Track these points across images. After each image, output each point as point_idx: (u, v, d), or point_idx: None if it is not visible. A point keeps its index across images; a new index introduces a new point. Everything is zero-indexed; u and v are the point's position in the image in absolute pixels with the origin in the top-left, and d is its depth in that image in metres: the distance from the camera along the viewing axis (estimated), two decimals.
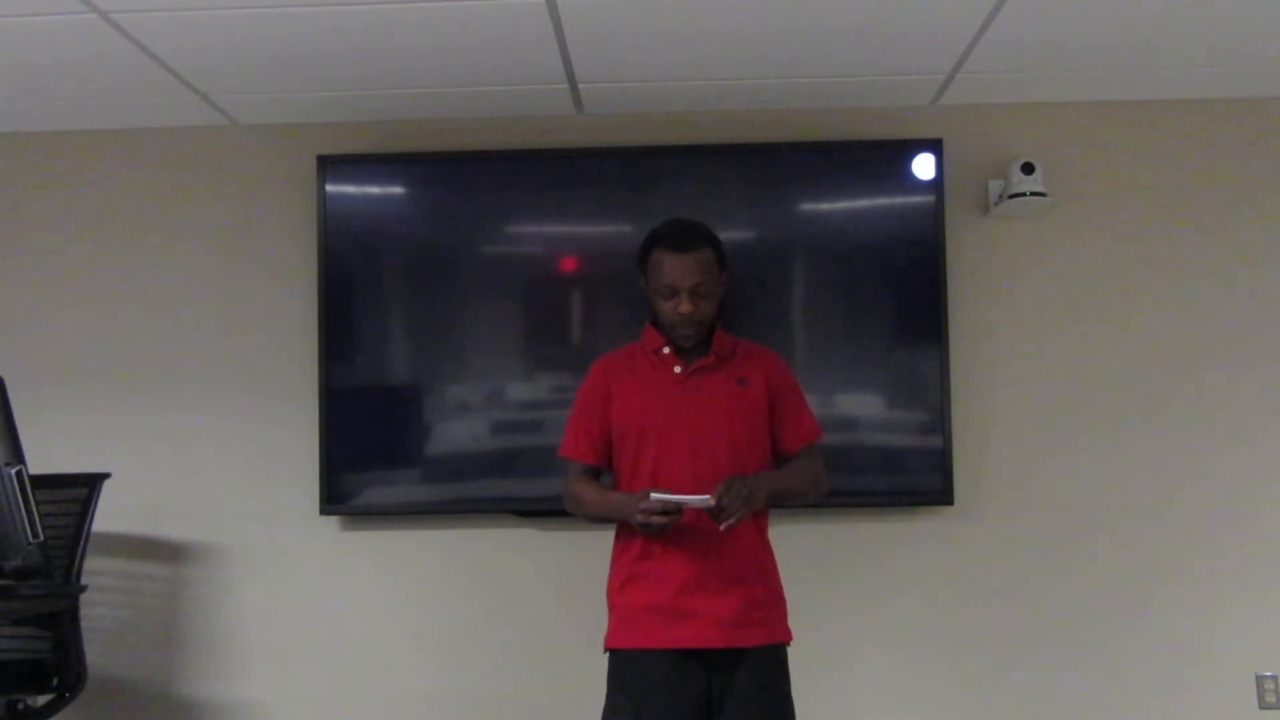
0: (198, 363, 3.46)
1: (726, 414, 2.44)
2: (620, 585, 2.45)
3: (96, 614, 3.30)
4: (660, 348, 2.50)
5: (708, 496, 2.27)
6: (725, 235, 2.58)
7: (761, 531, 2.48)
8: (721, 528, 2.28)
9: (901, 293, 3.35)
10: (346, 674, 3.37)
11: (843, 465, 3.20)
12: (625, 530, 2.46)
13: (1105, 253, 3.42)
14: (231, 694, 3.38)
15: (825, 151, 3.39)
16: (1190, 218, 3.42)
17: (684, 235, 2.46)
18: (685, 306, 2.41)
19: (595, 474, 2.53)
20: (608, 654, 2.45)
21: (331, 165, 3.38)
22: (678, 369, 2.47)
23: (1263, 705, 3.28)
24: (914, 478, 3.32)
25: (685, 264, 2.41)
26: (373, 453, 3.37)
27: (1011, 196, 3.30)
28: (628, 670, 2.39)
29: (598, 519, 2.50)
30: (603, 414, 2.50)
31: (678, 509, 2.28)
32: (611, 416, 2.49)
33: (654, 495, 2.28)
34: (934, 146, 3.33)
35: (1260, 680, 3.29)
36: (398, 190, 3.47)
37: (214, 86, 3.23)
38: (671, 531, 2.33)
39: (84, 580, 3.00)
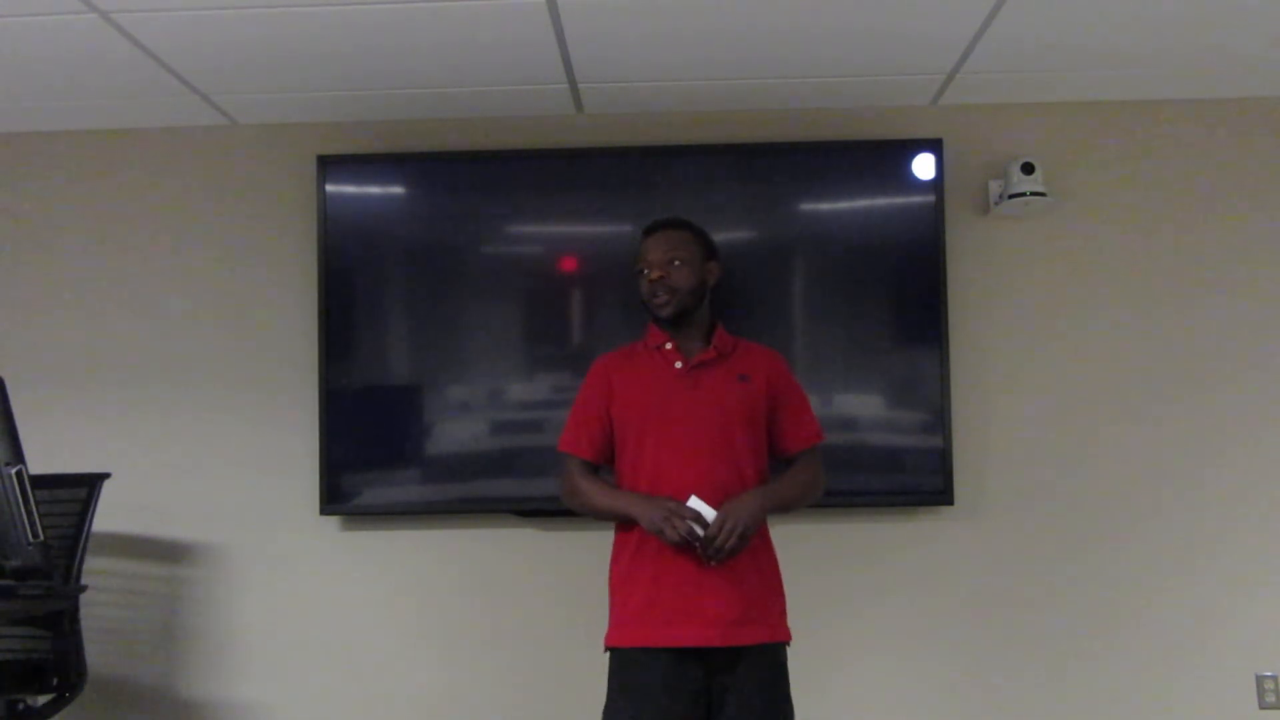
0: (198, 363, 3.46)
1: (726, 409, 2.46)
2: (621, 581, 2.46)
3: (96, 614, 3.30)
4: (662, 344, 2.53)
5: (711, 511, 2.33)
6: (725, 235, 2.62)
7: (762, 530, 2.49)
8: (712, 564, 2.32)
9: (901, 293, 3.35)
10: (347, 674, 3.37)
11: (843, 465, 3.21)
12: (625, 528, 2.47)
13: (1105, 253, 3.42)
14: (232, 694, 3.38)
15: (825, 151, 3.39)
16: (1190, 217, 3.42)
17: (660, 221, 2.61)
18: (655, 273, 2.49)
19: (595, 470, 2.54)
20: (608, 653, 2.46)
21: (331, 165, 3.37)
22: (679, 364, 2.50)
23: (1263, 705, 3.28)
24: (914, 478, 3.32)
25: (656, 240, 2.55)
26: (373, 453, 3.37)
27: (1011, 196, 3.30)
28: (628, 669, 2.40)
29: (603, 515, 2.50)
30: (604, 410, 2.52)
31: (700, 520, 2.31)
32: (613, 412, 2.50)
33: (694, 502, 2.33)
34: (934, 146, 3.33)
35: (1260, 680, 3.29)
36: (398, 190, 3.47)
37: (214, 86, 3.23)
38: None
39: (84, 580, 3.00)
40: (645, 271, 2.53)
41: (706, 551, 2.32)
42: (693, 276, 2.52)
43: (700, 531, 2.32)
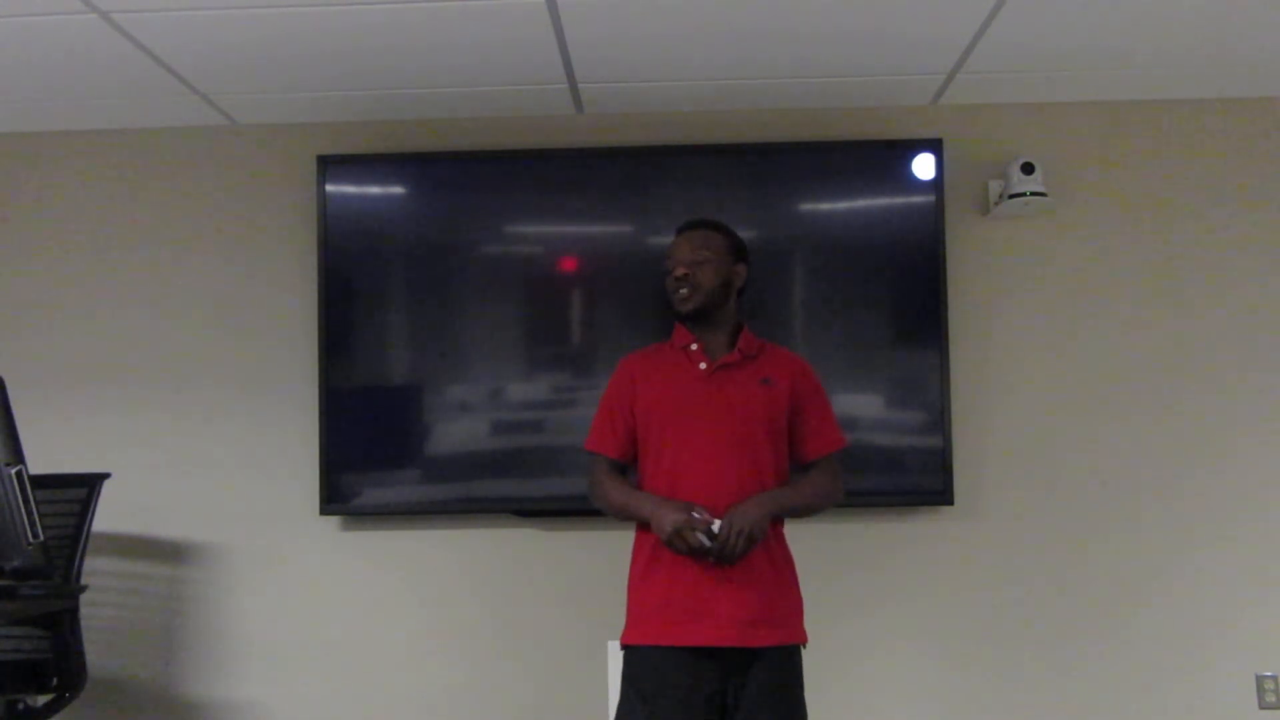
0: (198, 363, 3.46)
1: (748, 411, 2.47)
2: (639, 579, 2.46)
3: (96, 614, 3.30)
4: (688, 344, 2.53)
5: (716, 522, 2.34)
6: None
7: (778, 531, 2.49)
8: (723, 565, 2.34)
9: (901, 293, 3.35)
10: (346, 674, 3.37)
11: (843, 465, 3.20)
12: (644, 526, 2.47)
13: (1105, 253, 3.42)
14: (231, 694, 3.38)
15: (825, 151, 3.39)
16: (1190, 217, 3.42)
17: (692, 220, 2.63)
18: (679, 269, 2.51)
19: (621, 469, 2.54)
20: (623, 650, 2.46)
21: (331, 165, 3.37)
22: (703, 365, 2.50)
23: (1263, 705, 3.28)
24: (914, 478, 3.32)
25: (686, 238, 2.57)
26: (373, 453, 3.37)
27: (1011, 196, 3.30)
28: (642, 668, 2.40)
29: (622, 517, 2.51)
30: (628, 409, 2.53)
31: (712, 537, 2.31)
32: (636, 411, 2.52)
33: (698, 515, 2.32)
34: (934, 146, 3.33)
35: (1260, 680, 3.29)
36: (398, 190, 3.47)
37: (214, 86, 3.23)
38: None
39: (84, 580, 3.00)
40: (670, 270, 2.55)
41: (717, 556, 2.33)
42: (717, 276, 2.53)
43: (708, 543, 2.32)
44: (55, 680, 2.86)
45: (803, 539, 3.14)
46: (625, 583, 2.51)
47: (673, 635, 2.37)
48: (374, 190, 3.45)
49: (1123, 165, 3.44)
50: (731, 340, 2.54)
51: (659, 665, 2.37)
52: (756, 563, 2.40)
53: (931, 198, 3.32)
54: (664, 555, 2.40)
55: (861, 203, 3.41)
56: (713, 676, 2.35)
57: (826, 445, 2.57)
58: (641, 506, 2.43)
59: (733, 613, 2.36)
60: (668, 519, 2.35)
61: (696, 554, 2.33)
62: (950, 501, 3.30)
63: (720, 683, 2.35)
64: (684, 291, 2.50)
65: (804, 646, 2.49)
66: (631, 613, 2.47)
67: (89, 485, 3.04)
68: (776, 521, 2.48)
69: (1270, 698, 3.28)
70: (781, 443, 2.51)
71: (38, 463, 2.47)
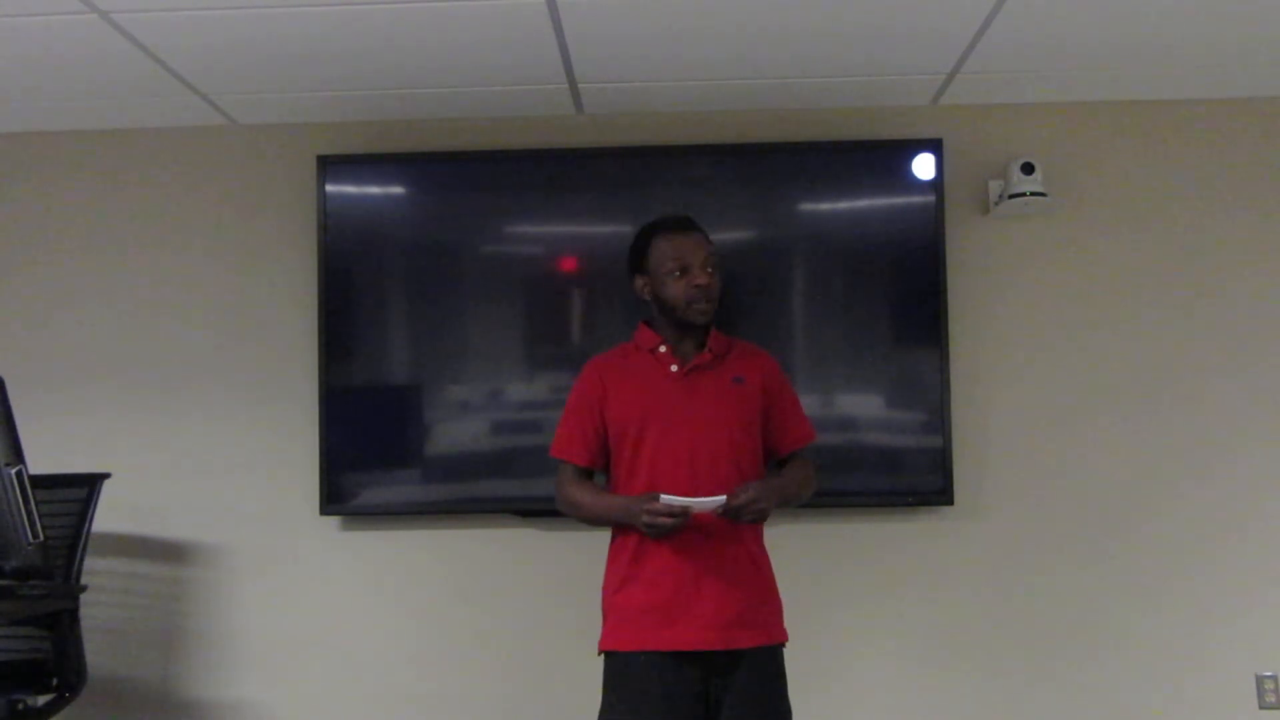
0: (198, 362, 3.46)
1: (722, 412, 2.45)
2: (616, 587, 2.45)
3: (96, 614, 3.30)
4: (656, 346, 2.50)
5: (718, 498, 2.29)
6: (725, 235, 2.62)
7: (756, 532, 2.49)
8: (716, 512, 2.31)
9: (901, 293, 3.35)
10: (346, 674, 3.37)
11: (843, 465, 3.21)
12: (621, 532, 2.46)
13: (1105, 252, 3.42)
14: (231, 694, 3.38)
15: (825, 151, 3.39)
16: (1190, 218, 3.42)
17: (683, 220, 2.52)
18: (701, 278, 2.43)
19: (589, 475, 2.52)
20: (603, 656, 2.45)
21: (331, 165, 3.37)
22: (674, 367, 2.48)
23: (1263, 705, 3.28)
24: (914, 478, 3.32)
25: (693, 241, 2.47)
26: (373, 453, 3.37)
27: (1011, 196, 3.30)
28: (623, 673, 2.39)
29: (595, 522, 2.50)
30: (597, 415, 2.49)
31: (685, 512, 2.28)
32: (607, 416, 2.48)
33: (664, 498, 2.28)
34: (934, 146, 3.33)
35: (1260, 680, 3.29)
36: (398, 190, 3.47)
37: (214, 86, 3.23)
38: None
39: (84, 580, 3.00)
40: (679, 274, 2.43)
41: (726, 513, 2.31)
42: (721, 284, 2.50)
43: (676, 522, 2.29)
44: (55, 680, 2.87)
45: (801, 538, 3.14)
46: None
47: (655, 639, 2.36)
48: (374, 190, 3.45)
49: (1123, 165, 3.44)
50: (701, 340, 2.50)
51: (641, 670, 2.36)
52: (736, 564, 2.40)
53: (931, 198, 3.32)
54: (643, 560, 2.39)
55: (862, 203, 3.41)
56: (694, 678, 2.34)
57: (802, 439, 2.57)
58: (615, 509, 2.43)
59: (713, 615, 2.36)
60: (638, 512, 2.32)
61: (680, 525, 2.28)
62: (950, 501, 3.30)
63: (703, 686, 2.35)
64: (705, 304, 2.43)
65: (785, 645, 2.48)
66: (611, 618, 2.45)
67: (89, 485, 3.05)
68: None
69: (1270, 698, 3.28)
70: (756, 441, 2.49)
71: (38, 463, 2.47)
